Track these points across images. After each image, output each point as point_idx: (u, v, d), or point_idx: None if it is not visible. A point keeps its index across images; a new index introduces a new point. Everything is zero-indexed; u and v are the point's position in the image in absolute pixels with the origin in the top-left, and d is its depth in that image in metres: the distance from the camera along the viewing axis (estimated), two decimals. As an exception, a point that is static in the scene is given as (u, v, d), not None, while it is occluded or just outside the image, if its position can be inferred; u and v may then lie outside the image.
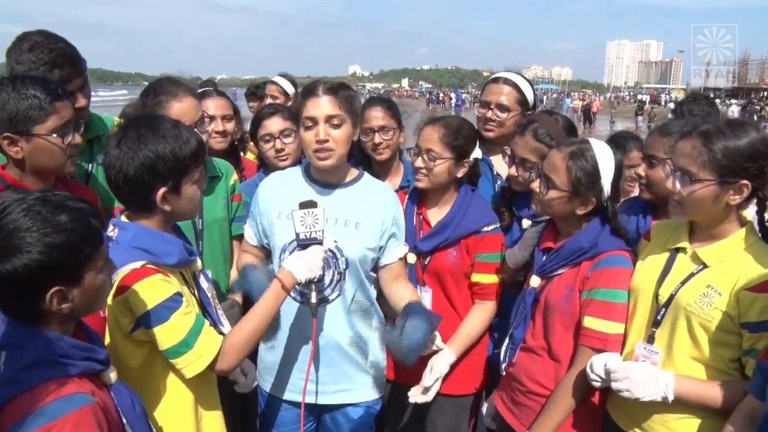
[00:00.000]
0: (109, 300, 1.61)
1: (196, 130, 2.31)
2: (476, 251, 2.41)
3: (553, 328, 2.08)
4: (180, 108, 2.38)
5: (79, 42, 2.23)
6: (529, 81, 2.95)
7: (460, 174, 2.44)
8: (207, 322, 1.72)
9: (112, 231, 1.69)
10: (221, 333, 1.78)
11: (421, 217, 2.49)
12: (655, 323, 1.88)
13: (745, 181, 1.73)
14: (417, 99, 73.11)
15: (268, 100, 4.38)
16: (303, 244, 1.95)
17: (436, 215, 2.47)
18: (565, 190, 2.02)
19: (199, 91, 2.93)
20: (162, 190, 1.67)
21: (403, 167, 3.00)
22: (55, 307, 1.28)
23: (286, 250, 2.15)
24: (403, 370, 2.40)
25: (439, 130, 2.39)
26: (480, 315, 2.45)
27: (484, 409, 2.46)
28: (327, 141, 2.07)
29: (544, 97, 50.54)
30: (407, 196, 2.54)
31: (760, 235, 1.83)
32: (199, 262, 1.88)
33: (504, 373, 2.25)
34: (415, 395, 2.32)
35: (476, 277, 2.43)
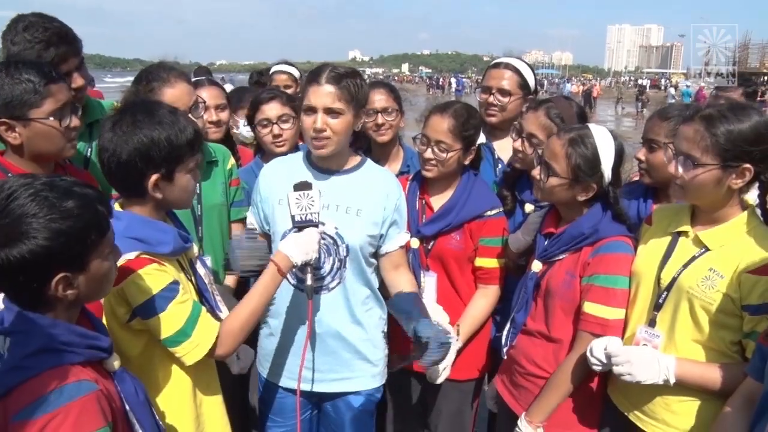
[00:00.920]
0: None
1: (190, 115, 2.29)
2: (479, 235, 2.40)
3: (554, 313, 2.09)
4: (173, 94, 2.36)
5: (77, 27, 2.22)
6: (530, 65, 2.95)
7: (467, 161, 2.43)
8: (204, 309, 1.71)
9: None
10: (219, 319, 1.78)
11: (424, 201, 2.48)
12: (657, 307, 1.89)
13: (747, 165, 1.72)
14: (417, 84, 72.64)
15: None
16: (299, 225, 1.94)
17: (439, 200, 2.46)
18: (565, 177, 2.02)
19: (192, 80, 2.89)
20: (154, 176, 1.64)
21: (403, 152, 2.99)
22: (60, 293, 1.28)
23: (286, 236, 2.15)
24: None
25: (448, 121, 2.34)
26: (484, 300, 2.45)
27: (487, 391, 2.47)
28: (324, 130, 2.04)
29: (545, 81, 50.06)
30: (409, 182, 2.53)
31: (761, 218, 1.83)
32: (195, 248, 1.86)
33: (505, 357, 2.26)
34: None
35: (479, 262, 2.43)
